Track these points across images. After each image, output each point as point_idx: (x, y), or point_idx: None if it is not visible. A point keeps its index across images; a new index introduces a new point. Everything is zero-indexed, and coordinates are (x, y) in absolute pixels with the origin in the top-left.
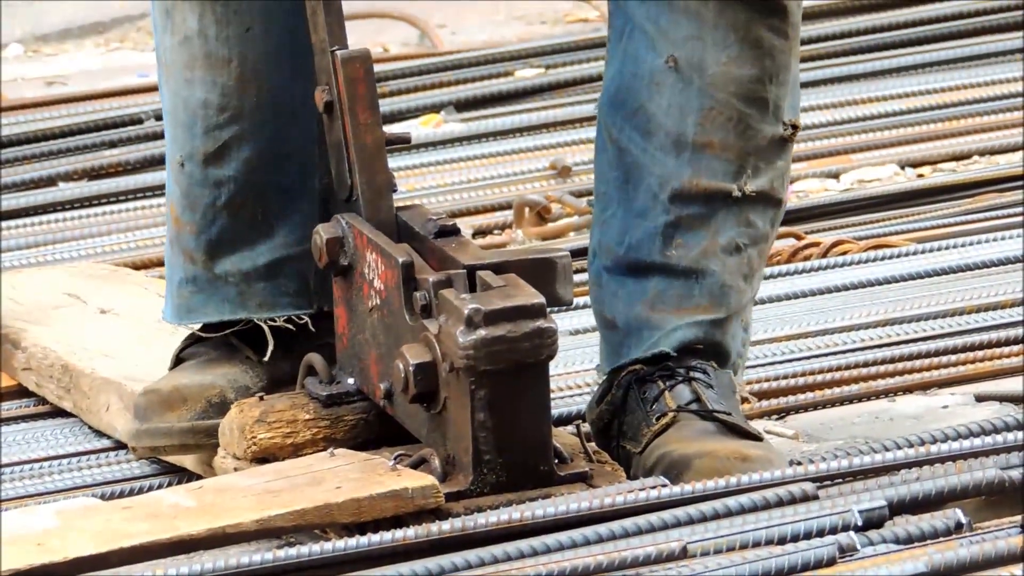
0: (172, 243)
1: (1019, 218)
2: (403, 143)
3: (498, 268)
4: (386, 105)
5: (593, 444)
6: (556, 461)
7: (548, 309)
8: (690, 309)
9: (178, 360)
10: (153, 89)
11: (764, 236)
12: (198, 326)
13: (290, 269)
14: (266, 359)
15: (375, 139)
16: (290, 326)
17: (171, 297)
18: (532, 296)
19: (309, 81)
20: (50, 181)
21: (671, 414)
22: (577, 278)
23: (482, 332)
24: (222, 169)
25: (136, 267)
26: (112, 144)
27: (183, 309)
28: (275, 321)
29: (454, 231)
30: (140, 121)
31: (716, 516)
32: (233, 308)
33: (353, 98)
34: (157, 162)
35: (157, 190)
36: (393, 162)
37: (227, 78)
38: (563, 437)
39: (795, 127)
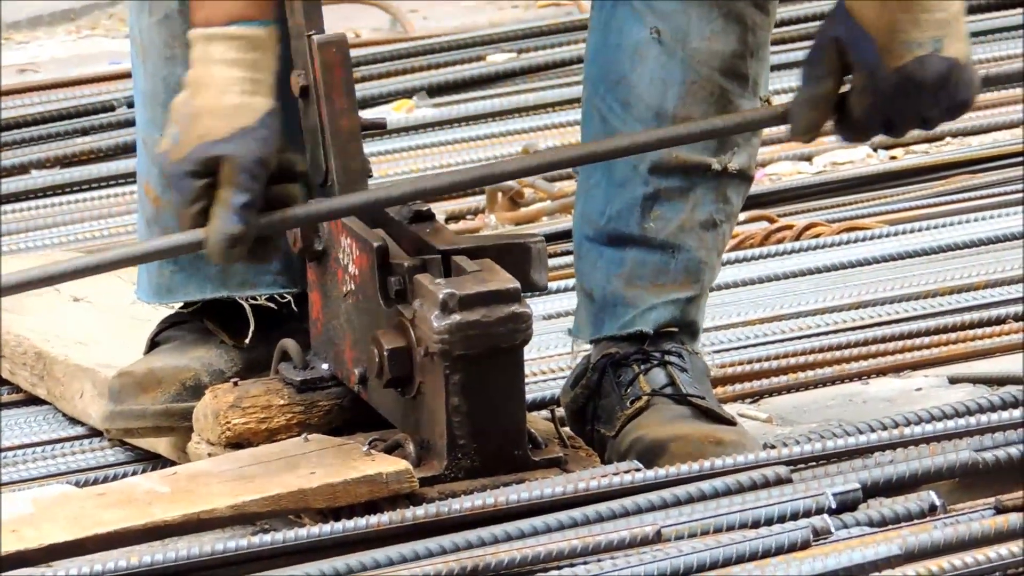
0: (150, 223)
1: (991, 199)
2: (379, 128)
3: (473, 253)
4: (358, 91)
5: (567, 429)
6: (530, 446)
7: (523, 294)
8: (665, 285)
9: (153, 344)
10: (125, 76)
11: (736, 212)
12: (177, 307)
13: (272, 248)
14: (247, 340)
15: (351, 124)
16: (272, 305)
17: (150, 276)
18: (507, 281)
19: (290, 61)
20: (22, 169)
21: (645, 398)
22: (552, 263)
23: (457, 317)
24: None
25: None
26: (84, 131)
27: (163, 288)
28: (256, 300)
29: (428, 216)
30: (112, 108)
31: (690, 500)
32: (215, 287)
33: (329, 83)
34: (130, 149)
35: (130, 177)
36: (366, 147)
37: None
38: (537, 422)
39: (768, 103)
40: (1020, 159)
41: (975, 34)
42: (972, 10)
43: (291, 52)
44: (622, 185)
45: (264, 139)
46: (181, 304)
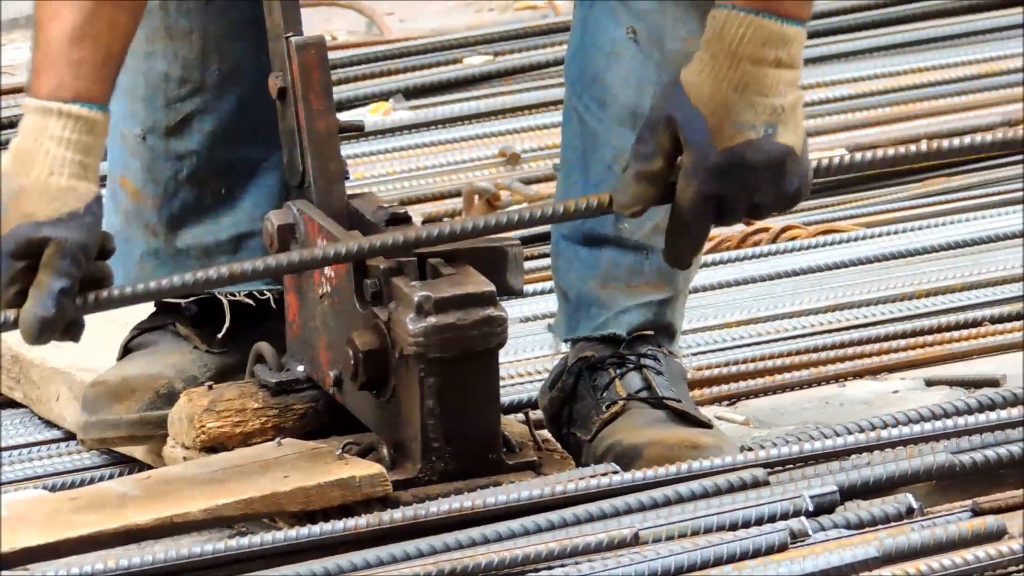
0: (130, 218)
1: (969, 202)
2: (356, 131)
3: (449, 256)
4: (335, 93)
5: (543, 432)
6: (505, 450)
7: (499, 297)
8: (639, 287)
9: (126, 350)
10: None
11: None
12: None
13: (254, 243)
14: (222, 339)
15: (328, 126)
16: (250, 301)
17: (127, 273)
18: (482, 284)
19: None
20: None
21: (621, 402)
22: (529, 265)
23: (432, 319)
24: (184, 142)
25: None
26: None
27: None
28: (236, 296)
29: (405, 219)
30: None
31: (668, 503)
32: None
33: (307, 85)
34: None
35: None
36: (343, 150)
37: (188, 51)
38: (512, 426)
39: None
40: (995, 161)
41: (974, 33)
42: (972, 10)
43: (269, 54)
44: (597, 185)
45: (90, 226)
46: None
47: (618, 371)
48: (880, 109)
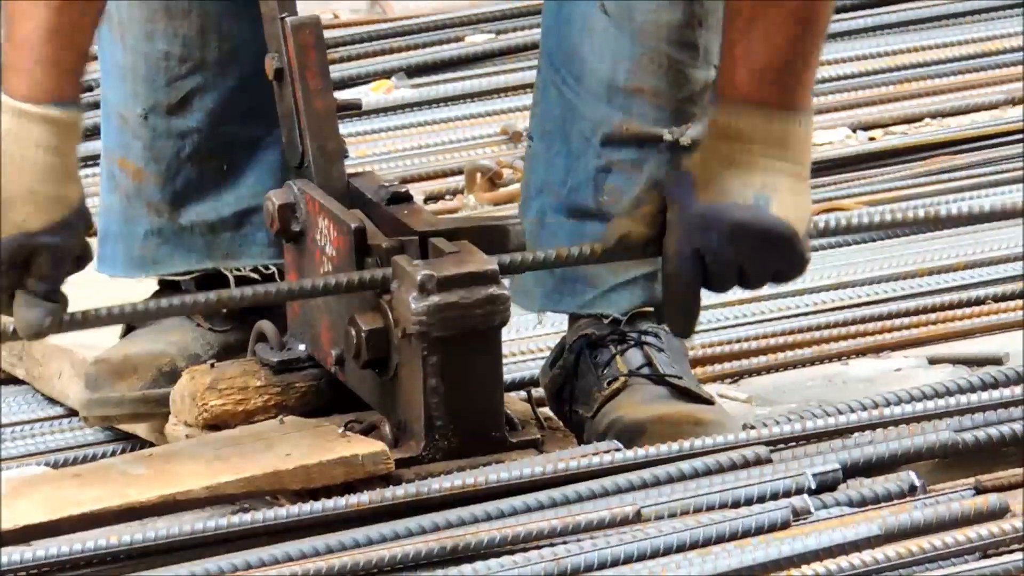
0: (132, 198)
1: (971, 180)
2: (353, 109)
3: (451, 235)
4: (337, 71)
5: (545, 410)
6: (507, 428)
7: (501, 276)
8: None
9: (128, 328)
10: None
11: None
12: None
13: (257, 219)
14: (225, 317)
15: (326, 105)
16: (256, 276)
17: (130, 249)
18: (485, 263)
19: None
20: None
21: (622, 379)
22: None
23: (435, 298)
24: (186, 120)
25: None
26: None
27: (148, 261)
28: (241, 271)
29: (406, 198)
30: (90, 88)
31: (669, 480)
32: (199, 258)
33: (303, 65)
34: None
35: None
36: (344, 128)
37: (188, 29)
38: (514, 404)
39: None
40: (998, 140)
41: (976, 12)
42: None
43: (264, 35)
44: (578, 157)
45: (79, 232)
46: (160, 277)
47: (619, 348)
48: (883, 87)
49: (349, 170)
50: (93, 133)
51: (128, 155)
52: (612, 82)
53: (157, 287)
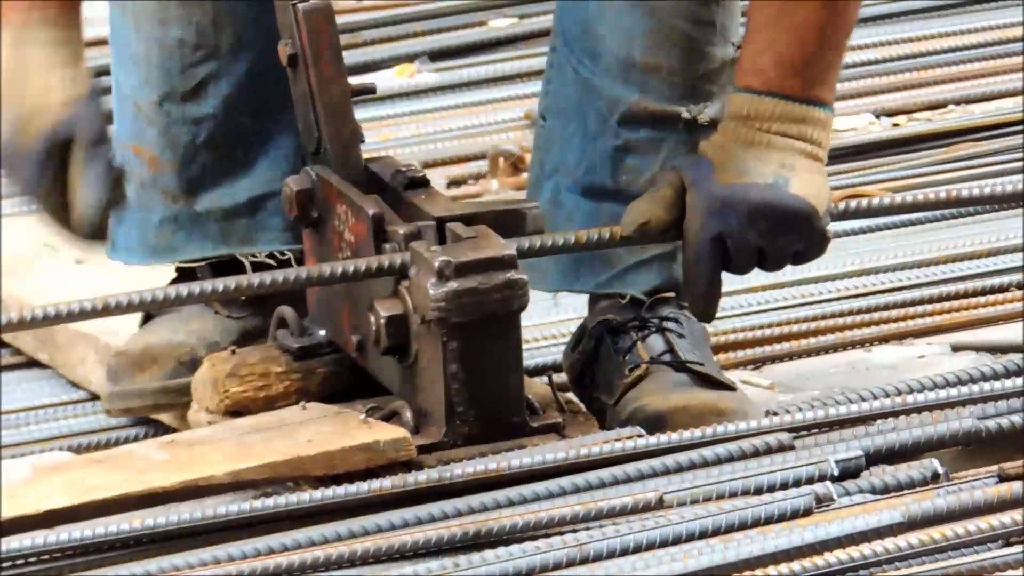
0: (146, 185)
1: (994, 167)
2: (368, 94)
3: (468, 219)
4: (360, 55)
5: (567, 395)
6: (528, 412)
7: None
8: None
9: (147, 316)
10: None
11: None
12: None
13: (272, 205)
14: (243, 299)
15: (340, 90)
16: (271, 262)
17: (145, 237)
18: (503, 247)
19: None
20: None
21: (644, 366)
22: None
23: (453, 284)
24: (200, 106)
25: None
26: None
27: (164, 248)
28: (257, 256)
29: (423, 183)
30: (108, 72)
31: (692, 466)
32: (215, 244)
33: (317, 50)
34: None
35: None
36: (367, 112)
37: (202, 17)
38: (535, 387)
39: (739, 47)
40: (1022, 127)
41: (949, 6)
42: None
43: (277, 23)
44: (595, 137)
45: (99, 106)
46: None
47: (640, 334)
48: (907, 73)
49: (366, 155)
50: None
51: (143, 142)
52: (628, 60)
53: (174, 274)
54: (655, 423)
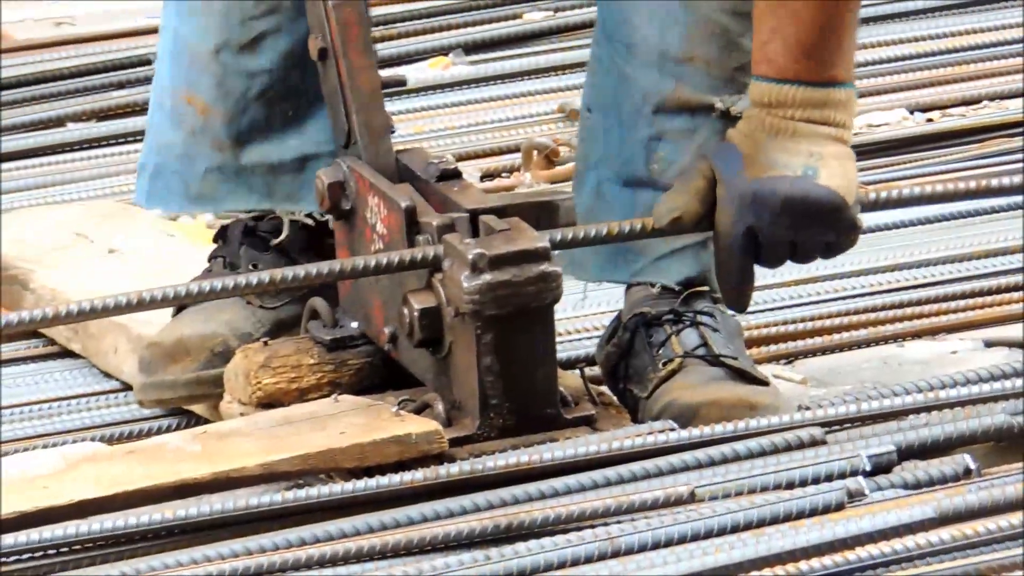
0: (196, 133)
1: None
2: (398, 86)
3: (501, 212)
4: (395, 47)
5: (600, 387)
6: (561, 405)
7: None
8: None
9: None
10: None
11: None
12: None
13: (316, 165)
14: (282, 239)
15: (371, 82)
16: (310, 221)
17: (188, 185)
18: (536, 240)
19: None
20: (59, 122)
21: (678, 360)
22: None
23: (487, 277)
24: (257, 59)
25: None
26: (120, 85)
27: (207, 197)
28: (297, 214)
29: (455, 174)
30: (149, 62)
31: (724, 461)
32: (259, 198)
33: (347, 43)
34: None
35: None
36: (401, 104)
37: None
38: (567, 379)
39: None
40: None
41: (983, 1)
42: None
43: (307, 17)
44: (631, 127)
45: None
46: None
47: (674, 328)
48: (941, 69)
49: (397, 147)
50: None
51: (196, 90)
52: (664, 50)
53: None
54: (687, 417)
